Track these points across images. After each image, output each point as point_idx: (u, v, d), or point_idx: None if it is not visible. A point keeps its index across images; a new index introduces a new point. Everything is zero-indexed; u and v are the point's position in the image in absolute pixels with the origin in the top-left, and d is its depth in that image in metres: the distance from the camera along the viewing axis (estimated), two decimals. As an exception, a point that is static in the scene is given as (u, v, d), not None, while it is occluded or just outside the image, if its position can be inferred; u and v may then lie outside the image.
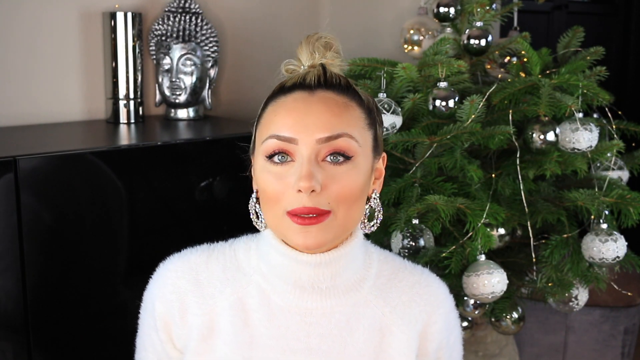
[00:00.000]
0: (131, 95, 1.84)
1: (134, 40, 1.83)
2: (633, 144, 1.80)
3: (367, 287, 1.05)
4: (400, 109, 1.54)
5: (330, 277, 1.01)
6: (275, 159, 0.95)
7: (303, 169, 0.92)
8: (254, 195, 1.03)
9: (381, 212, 1.03)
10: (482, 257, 1.47)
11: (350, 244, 1.01)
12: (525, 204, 1.55)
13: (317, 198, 0.93)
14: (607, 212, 1.55)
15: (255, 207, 1.03)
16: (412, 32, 1.99)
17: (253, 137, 1.02)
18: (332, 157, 0.94)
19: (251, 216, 1.04)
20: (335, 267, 1.01)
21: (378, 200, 1.03)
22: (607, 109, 1.71)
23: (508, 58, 1.86)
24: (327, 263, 1.00)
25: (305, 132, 0.93)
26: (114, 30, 1.81)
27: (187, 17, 1.94)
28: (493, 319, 1.62)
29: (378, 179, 1.04)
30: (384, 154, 1.06)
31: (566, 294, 1.58)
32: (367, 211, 1.03)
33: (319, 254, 0.99)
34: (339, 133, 0.94)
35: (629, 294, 2.23)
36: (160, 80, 1.92)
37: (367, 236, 1.08)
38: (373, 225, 1.03)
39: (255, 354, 1.02)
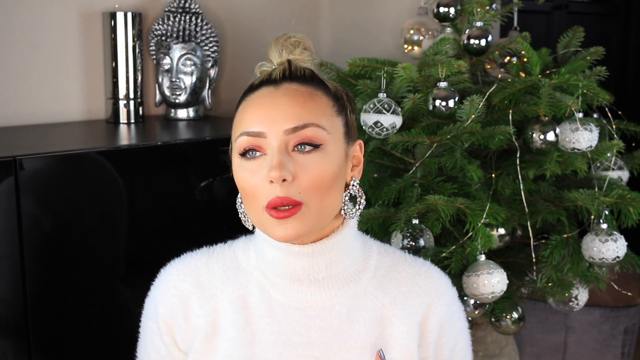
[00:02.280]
0: (131, 95, 1.85)
1: (134, 40, 1.83)
2: (633, 144, 1.79)
3: (367, 279, 1.06)
4: (400, 109, 1.54)
5: (325, 267, 1.02)
6: (248, 154, 0.97)
7: (273, 160, 0.94)
8: (239, 195, 1.05)
9: (363, 198, 1.04)
10: (482, 257, 1.47)
11: (341, 233, 1.03)
12: (525, 204, 1.55)
13: (289, 188, 0.94)
14: (607, 212, 1.55)
15: (242, 207, 1.05)
16: (412, 32, 1.98)
17: (230, 139, 1.04)
18: (300, 147, 0.96)
19: (239, 215, 1.05)
20: (328, 256, 1.01)
21: (358, 187, 1.04)
22: (607, 109, 1.71)
23: (508, 58, 1.86)
24: (319, 252, 1.01)
25: (272, 124, 0.95)
26: (114, 30, 1.82)
27: (187, 17, 1.94)
28: (493, 319, 1.62)
29: (356, 166, 1.05)
30: (360, 141, 1.06)
31: (566, 294, 1.58)
32: (345, 198, 1.03)
33: (310, 244, 1.00)
34: (305, 123, 0.96)
35: (629, 294, 2.22)
36: (160, 80, 1.92)
37: (367, 233, 1.09)
38: (357, 211, 1.04)
39: (257, 350, 1.03)
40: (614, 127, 1.71)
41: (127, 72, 1.83)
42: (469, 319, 1.63)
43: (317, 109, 0.98)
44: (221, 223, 1.62)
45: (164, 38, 1.92)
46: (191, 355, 1.05)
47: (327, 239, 1.01)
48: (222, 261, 1.08)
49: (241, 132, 0.97)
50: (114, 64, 1.83)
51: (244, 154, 0.97)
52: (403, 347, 1.05)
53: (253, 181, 0.96)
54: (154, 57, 1.93)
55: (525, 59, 1.70)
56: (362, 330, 1.04)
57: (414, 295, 1.07)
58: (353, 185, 1.04)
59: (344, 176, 1.02)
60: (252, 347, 1.03)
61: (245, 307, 1.04)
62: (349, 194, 1.04)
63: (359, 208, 1.04)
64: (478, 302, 1.54)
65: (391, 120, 1.51)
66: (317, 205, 0.96)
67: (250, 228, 1.06)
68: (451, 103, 1.54)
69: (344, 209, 1.03)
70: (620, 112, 1.77)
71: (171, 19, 1.93)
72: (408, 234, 1.48)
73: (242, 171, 0.98)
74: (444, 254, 1.47)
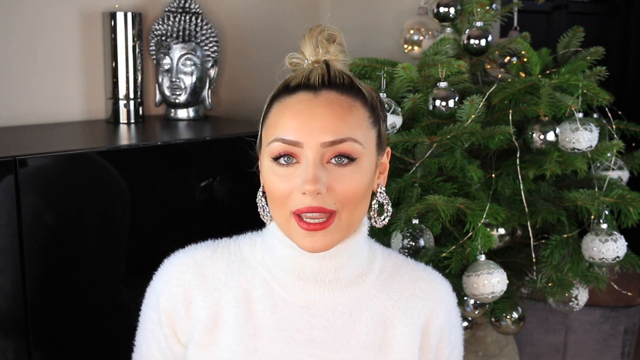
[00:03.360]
0: (131, 95, 1.84)
1: (134, 40, 1.83)
2: (633, 144, 1.80)
3: (370, 281, 1.07)
4: (400, 109, 1.54)
5: (333, 270, 1.02)
6: (281, 160, 0.96)
7: (308, 172, 0.93)
8: (261, 189, 1.05)
9: (390, 205, 1.05)
10: (482, 257, 1.47)
11: (354, 238, 1.03)
12: (525, 204, 1.55)
13: (323, 198, 0.94)
14: (607, 212, 1.55)
15: (262, 200, 1.04)
16: (412, 32, 1.98)
17: (259, 134, 1.03)
18: (336, 159, 0.95)
19: (258, 209, 1.05)
20: (339, 260, 1.02)
21: (385, 194, 1.04)
22: (607, 109, 1.71)
23: (508, 58, 1.86)
24: (331, 256, 1.01)
25: (310, 135, 0.94)
26: (114, 30, 1.81)
27: (187, 17, 1.94)
28: (493, 319, 1.62)
29: (382, 173, 1.05)
30: (389, 149, 1.06)
31: (566, 294, 1.58)
32: (375, 206, 1.04)
33: None
34: (343, 137, 0.95)
35: (629, 294, 2.22)
36: (160, 80, 1.92)
37: (370, 234, 1.09)
38: (384, 219, 1.04)
39: (258, 345, 1.03)
40: (614, 127, 1.71)
41: (127, 72, 1.83)
42: (469, 318, 1.64)
43: (355, 122, 0.96)
44: (221, 223, 1.62)
45: (164, 38, 1.92)
46: (191, 347, 1.05)
47: (340, 244, 1.01)
48: (227, 255, 1.08)
49: (276, 137, 0.96)
50: (114, 64, 1.83)
51: (277, 158, 0.96)
52: (404, 350, 1.05)
53: (284, 187, 0.95)
54: (154, 57, 1.93)
55: (525, 59, 1.70)
56: (364, 331, 1.04)
57: (416, 299, 1.08)
58: (380, 192, 1.04)
59: (372, 186, 1.02)
60: (254, 341, 1.03)
61: (248, 302, 1.04)
62: (377, 202, 1.04)
63: (387, 215, 1.04)
64: (478, 302, 1.54)
65: (391, 120, 1.51)
66: (348, 216, 0.97)
67: (267, 222, 1.05)
68: (451, 103, 1.54)
69: (373, 217, 1.04)
70: (620, 112, 1.77)
71: (171, 19, 1.93)
72: (408, 234, 1.48)
73: (273, 175, 0.97)
74: (444, 254, 1.47)
